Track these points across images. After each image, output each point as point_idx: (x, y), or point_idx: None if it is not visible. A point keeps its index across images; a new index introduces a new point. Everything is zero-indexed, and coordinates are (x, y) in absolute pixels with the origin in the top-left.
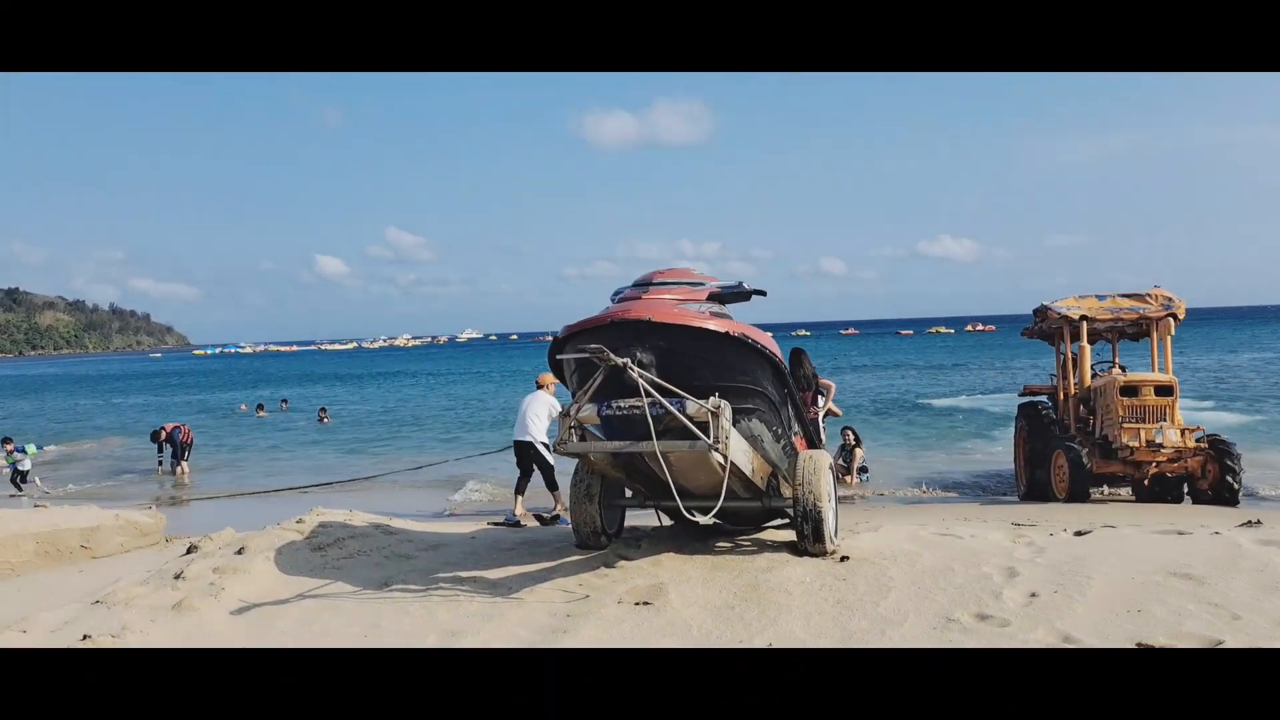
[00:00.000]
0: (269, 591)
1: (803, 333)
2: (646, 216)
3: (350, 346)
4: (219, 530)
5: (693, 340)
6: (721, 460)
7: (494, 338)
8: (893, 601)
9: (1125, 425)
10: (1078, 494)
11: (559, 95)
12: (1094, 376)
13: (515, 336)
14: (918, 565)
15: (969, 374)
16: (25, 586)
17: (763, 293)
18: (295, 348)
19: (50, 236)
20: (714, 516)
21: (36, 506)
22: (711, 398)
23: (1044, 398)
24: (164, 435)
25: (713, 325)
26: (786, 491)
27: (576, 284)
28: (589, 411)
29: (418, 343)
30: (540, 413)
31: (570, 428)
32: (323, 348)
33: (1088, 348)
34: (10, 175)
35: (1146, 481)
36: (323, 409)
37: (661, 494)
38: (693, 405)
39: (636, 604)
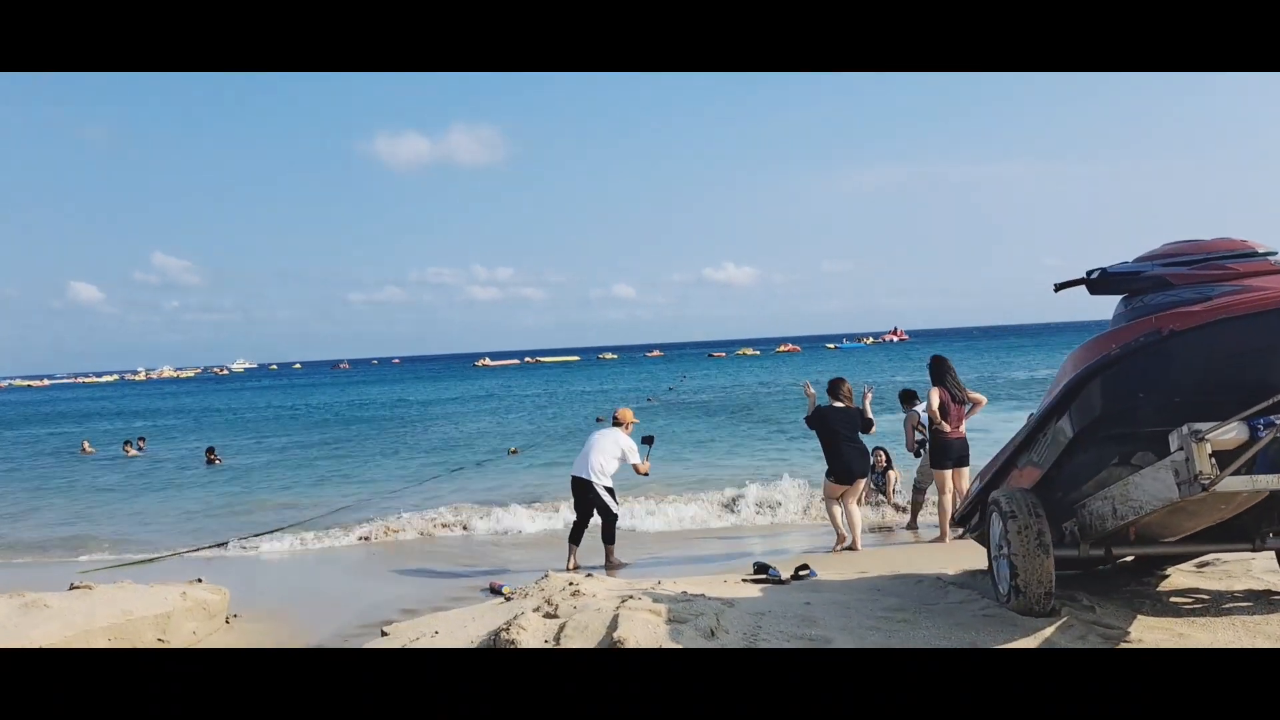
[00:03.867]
0: None
1: (610, 355)
2: (439, 240)
3: (112, 379)
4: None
5: None
6: None
7: (274, 367)
8: None
9: None
10: None
11: (349, 115)
12: None
13: (299, 365)
14: None
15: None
16: None
17: None
18: (46, 381)
19: None
20: None
21: (75, 586)
22: None
23: None
24: None
25: None
26: None
27: (362, 310)
28: (1237, 433)
29: (190, 374)
30: (611, 452)
31: (1210, 457)
32: (81, 380)
33: None
34: None
35: None
36: (210, 449)
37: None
38: None
39: None
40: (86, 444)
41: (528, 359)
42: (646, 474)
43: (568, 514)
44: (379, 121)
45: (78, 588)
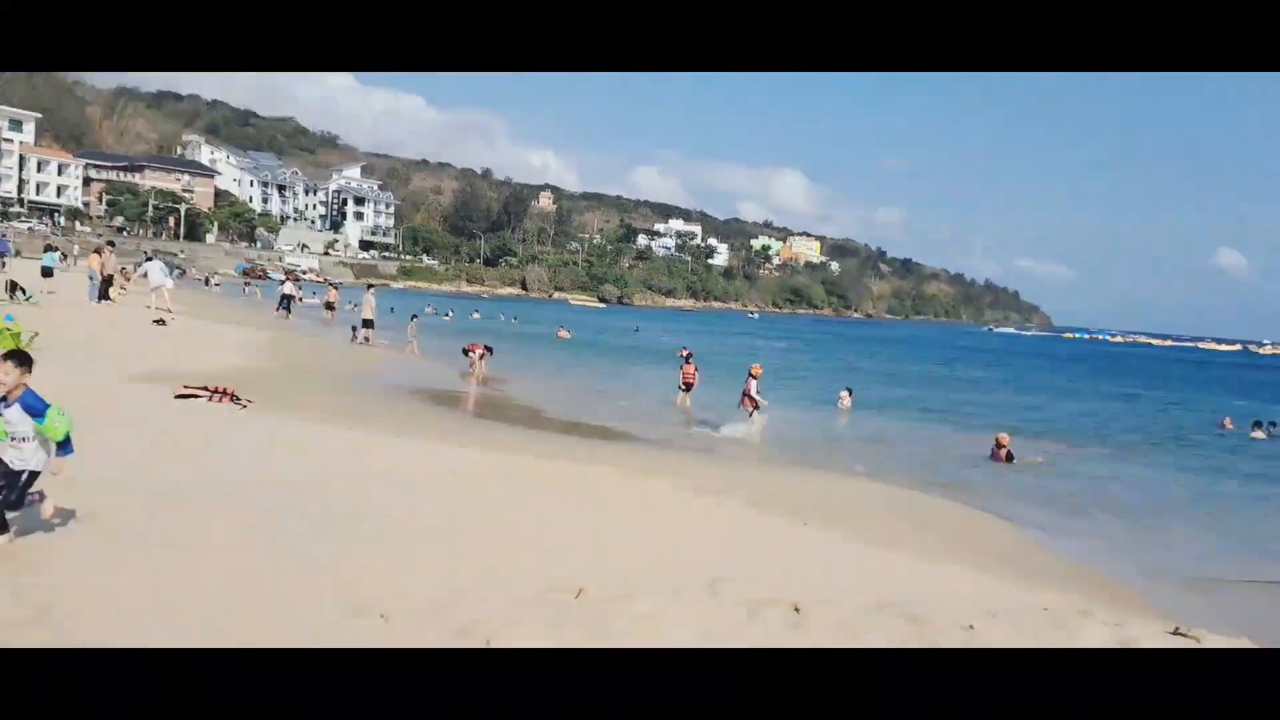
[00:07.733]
0: None
1: None
2: None
3: (1233, 348)
4: None
5: None
6: None
7: None
8: None
9: None
10: None
11: None
12: None
13: None
14: None
15: None
16: None
17: None
18: (1171, 342)
19: (957, 215)
20: None
21: None
22: None
23: None
24: None
25: None
26: None
27: None
28: None
29: None
30: None
31: None
32: (1199, 345)
33: None
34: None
35: None
36: None
37: None
38: None
39: None
40: (1228, 420)
41: None
42: None
43: None
44: None
45: None
